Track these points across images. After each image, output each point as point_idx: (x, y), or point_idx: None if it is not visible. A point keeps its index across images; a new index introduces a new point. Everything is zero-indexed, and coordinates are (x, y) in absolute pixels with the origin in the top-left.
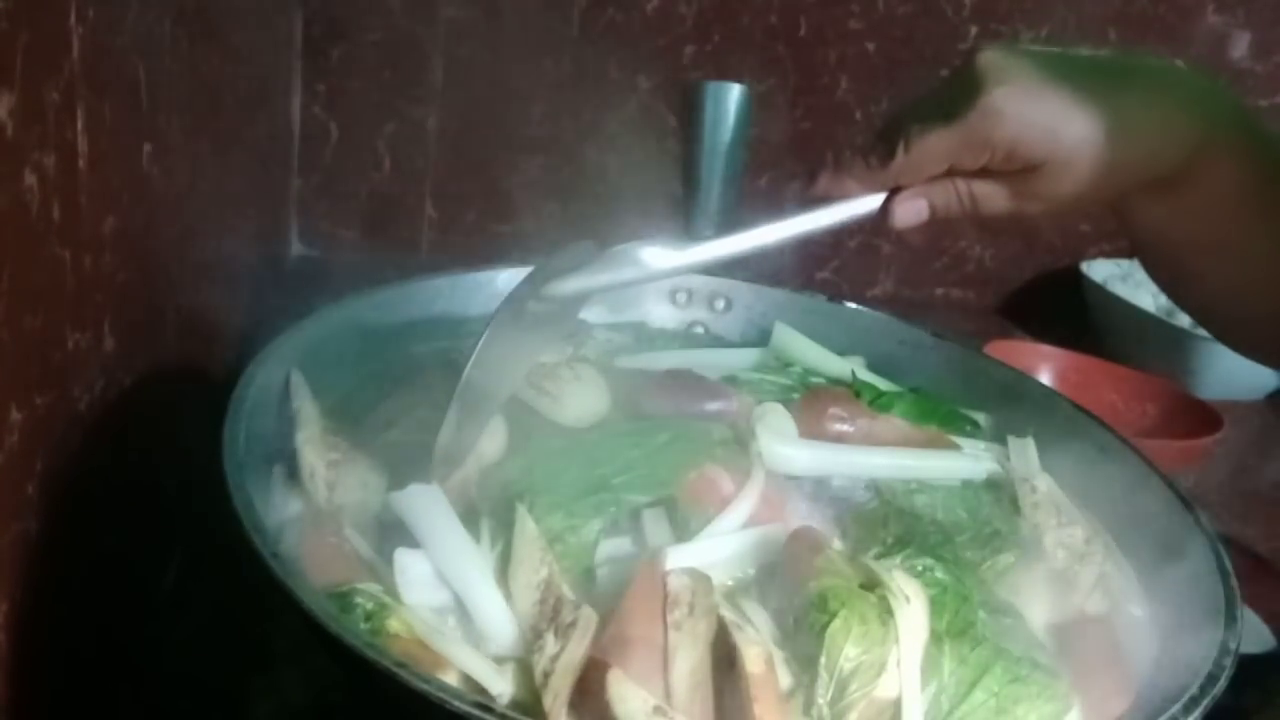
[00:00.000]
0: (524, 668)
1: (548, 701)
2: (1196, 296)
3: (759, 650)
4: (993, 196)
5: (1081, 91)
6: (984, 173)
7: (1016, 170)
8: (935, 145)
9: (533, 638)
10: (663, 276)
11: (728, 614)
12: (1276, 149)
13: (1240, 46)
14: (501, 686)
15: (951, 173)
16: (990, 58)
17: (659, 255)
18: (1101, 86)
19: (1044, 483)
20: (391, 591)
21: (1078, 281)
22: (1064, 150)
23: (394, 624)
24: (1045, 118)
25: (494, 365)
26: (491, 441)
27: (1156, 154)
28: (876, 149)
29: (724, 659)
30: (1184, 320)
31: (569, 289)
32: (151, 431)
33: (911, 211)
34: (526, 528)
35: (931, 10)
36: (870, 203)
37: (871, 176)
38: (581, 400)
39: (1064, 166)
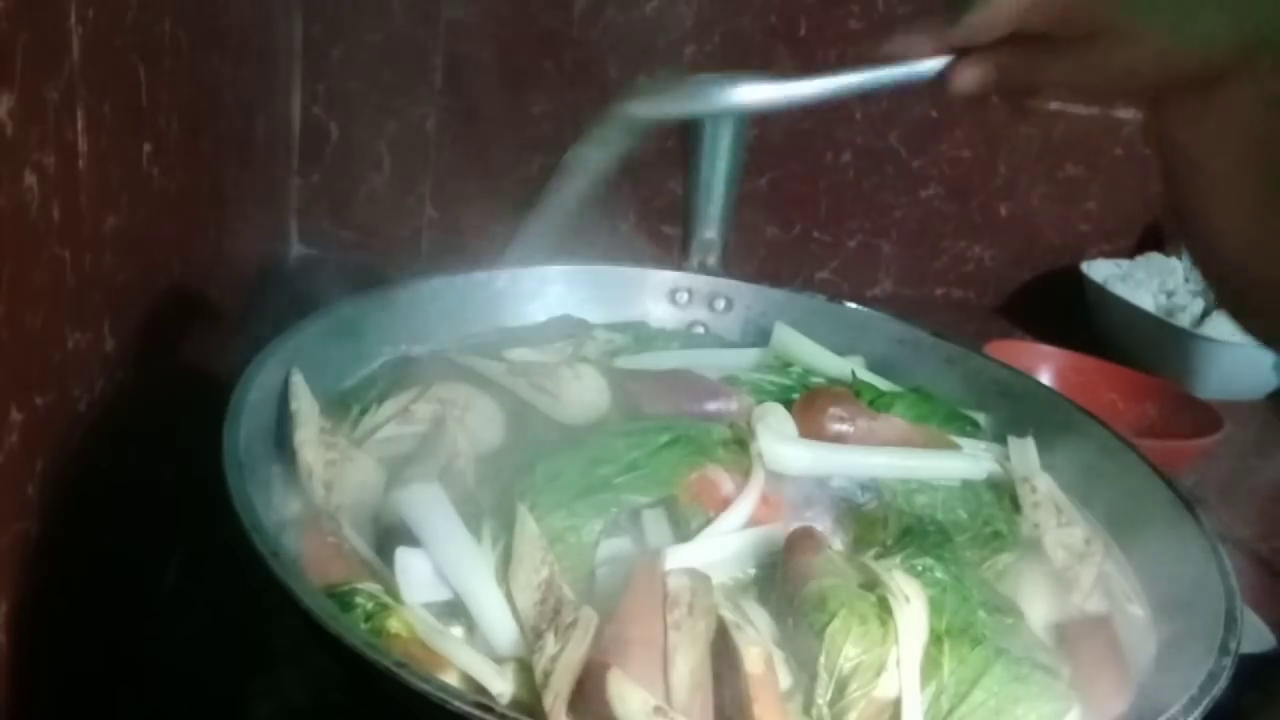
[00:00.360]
0: (524, 668)
1: (548, 701)
2: (1219, 254)
3: (759, 650)
4: (1051, 65)
5: None
6: (1045, 41)
7: (1076, 37)
8: (1005, 3)
9: (533, 638)
10: (741, 110)
11: (727, 614)
12: None
13: None
14: (501, 686)
15: (1015, 40)
16: None
17: (741, 90)
18: None
19: (1044, 483)
20: (392, 591)
21: (1078, 281)
22: (1124, 14)
23: (394, 624)
24: None
25: (580, 177)
26: (488, 429)
27: (1209, 38)
28: (949, 8)
29: (724, 659)
30: (1184, 320)
31: (655, 110)
32: (151, 431)
33: (974, 74)
34: (527, 527)
35: (932, 10)
36: (936, 64)
37: (943, 34)
38: (580, 399)
39: (1122, 33)
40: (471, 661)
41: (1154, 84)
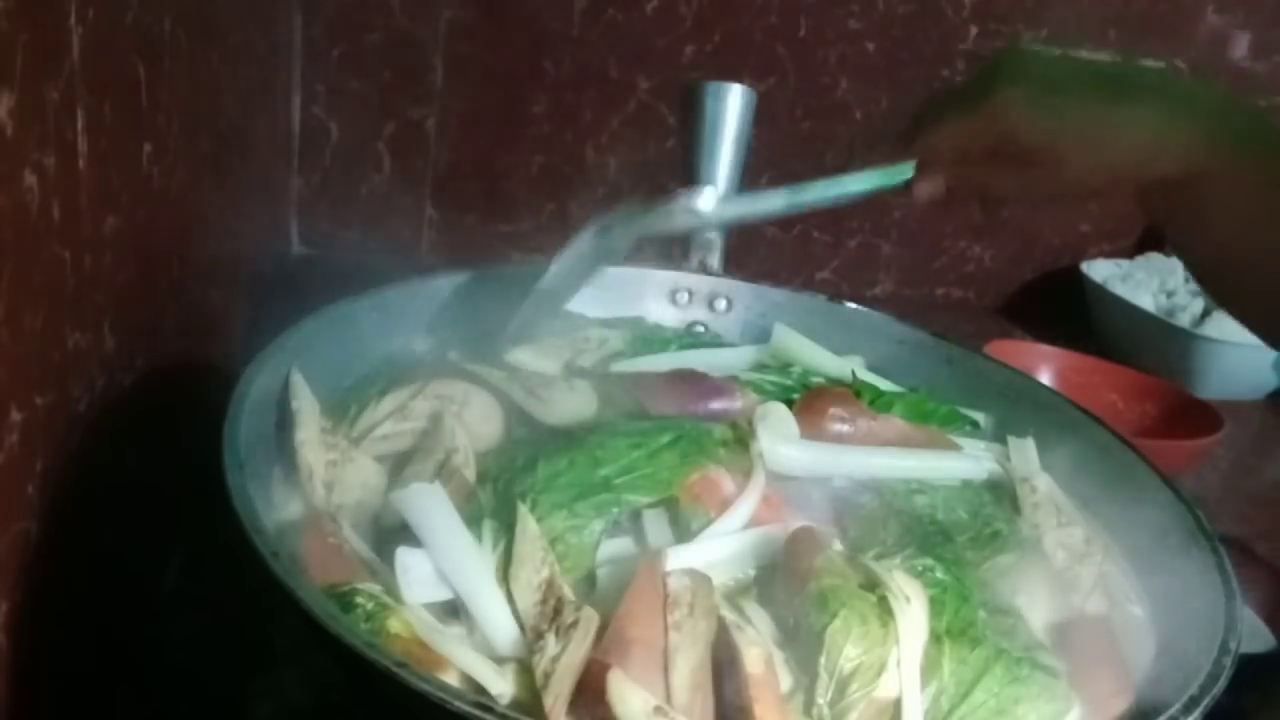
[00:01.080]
0: (524, 668)
1: (548, 702)
2: (1226, 293)
3: (759, 651)
4: (998, 180)
5: (1080, 94)
6: (993, 158)
7: (1019, 157)
8: (948, 130)
9: (533, 638)
10: (713, 225)
11: (728, 614)
12: None
13: (1240, 46)
14: (501, 687)
15: (965, 159)
16: (1006, 58)
17: (712, 204)
18: (1101, 92)
19: (1044, 483)
20: (392, 591)
21: (1078, 281)
22: (1058, 144)
23: (394, 624)
24: (1043, 114)
25: (565, 274)
26: (486, 425)
27: (1150, 157)
28: (907, 131)
29: (724, 659)
30: (1184, 320)
31: (633, 230)
32: (151, 431)
33: (929, 187)
34: (528, 527)
35: (931, 10)
36: (899, 174)
37: (902, 153)
38: (569, 408)
39: (1060, 158)
40: (471, 662)
41: (1107, 189)
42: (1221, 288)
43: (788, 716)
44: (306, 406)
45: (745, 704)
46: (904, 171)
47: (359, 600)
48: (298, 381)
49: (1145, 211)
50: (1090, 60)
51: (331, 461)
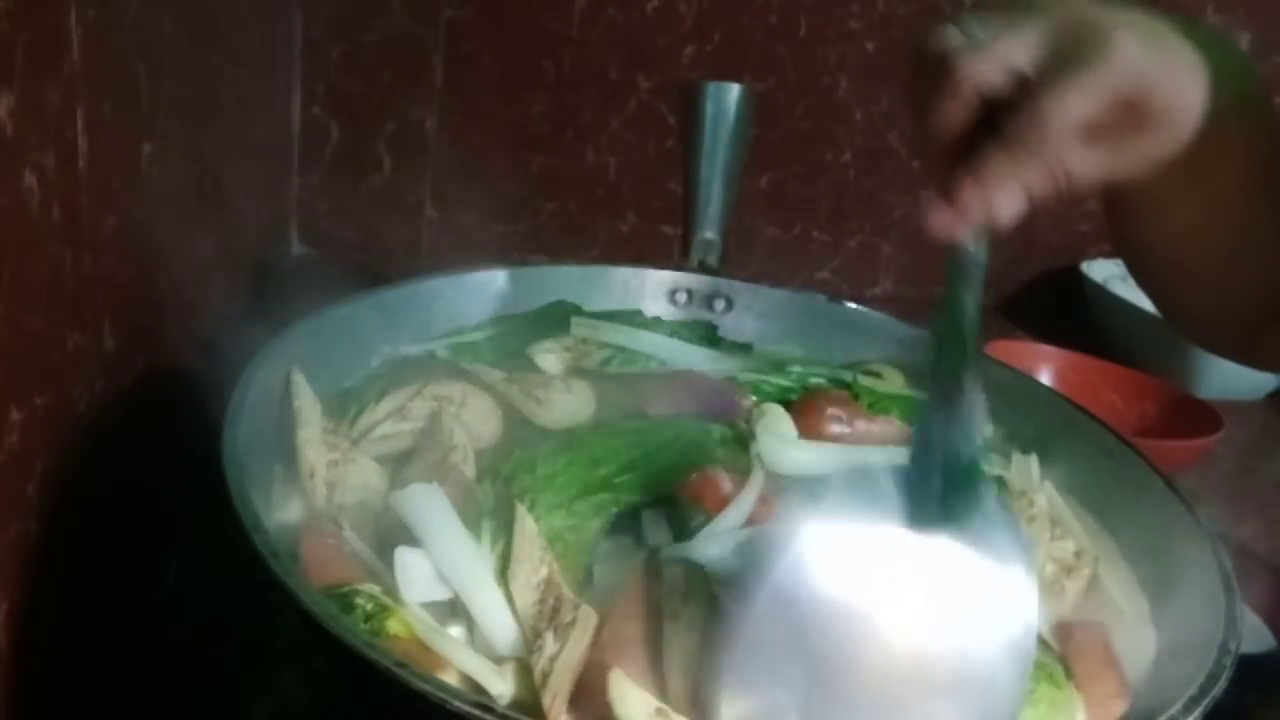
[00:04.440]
0: (524, 668)
1: (546, 701)
2: (1185, 307)
3: None
4: (1088, 163)
5: (1178, 37)
6: (1085, 139)
7: (1124, 127)
8: (1078, 101)
9: (532, 637)
10: None
11: (722, 594)
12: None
13: (1240, 46)
14: (501, 688)
15: (1095, 136)
16: (1087, 6)
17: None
18: (1174, 37)
19: (1041, 499)
20: (391, 592)
21: (1078, 281)
22: (1178, 100)
23: (394, 625)
24: (1166, 66)
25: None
26: (485, 425)
27: (1201, 109)
28: (1002, 127)
29: (713, 639)
30: None
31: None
32: (151, 431)
33: (1012, 200)
34: (526, 527)
35: (931, 10)
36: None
37: (1006, 161)
38: (566, 410)
39: (1171, 119)
40: (471, 662)
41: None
42: (1176, 292)
43: None
44: (308, 406)
45: None
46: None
47: (359, 601)
48: (299, 381)
49: (1129, 224)
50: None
51: (333, 461)
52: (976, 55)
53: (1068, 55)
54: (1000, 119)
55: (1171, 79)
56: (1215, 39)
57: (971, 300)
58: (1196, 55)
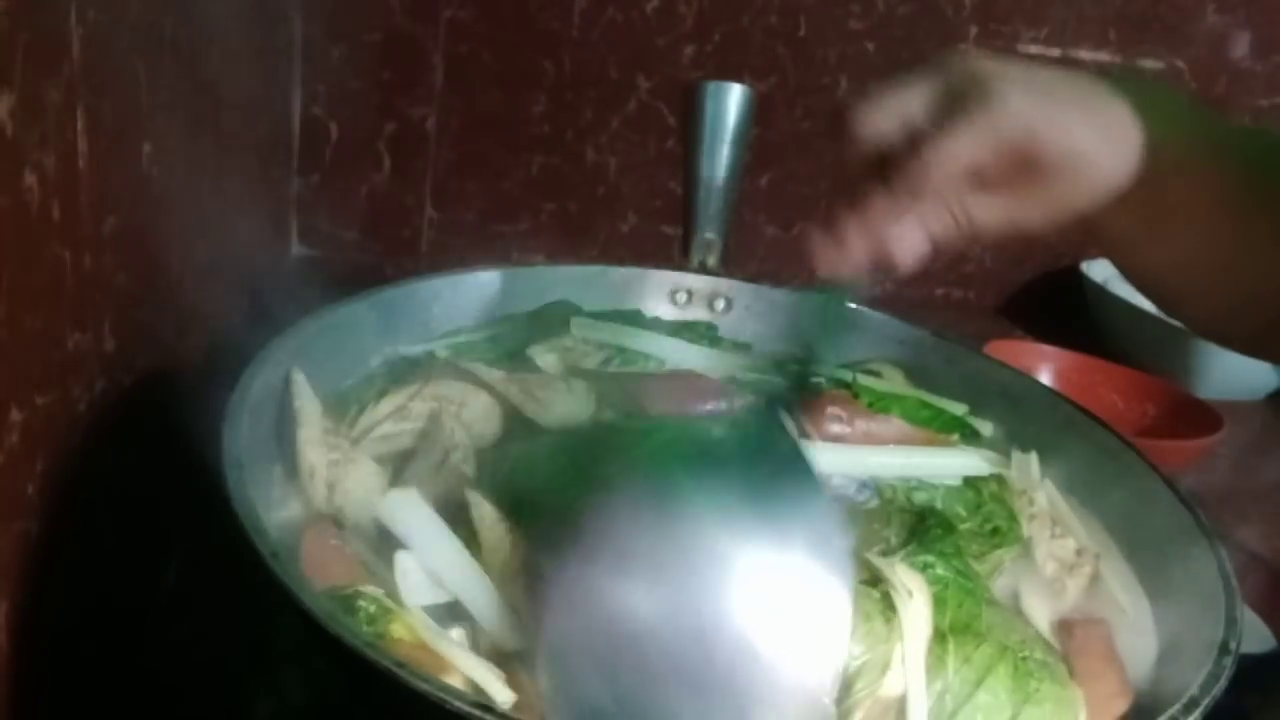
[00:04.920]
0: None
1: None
2: (1185, 311)
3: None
4: (990, 211)
5: (1072, 96)
6: (980, 187)
7: (1018, 178)
8: (957, 148)
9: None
10: None
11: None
12: (1254, 165)
13: (1240, 46)
14: (505, 694)
15: (979, 186)
16: (982, 60)
17: None
18: (1082, 93)
19: (1042, 497)
20: (393, 594)
21: (1078, 281)
22: (1074, 152)
23: (397, 628)
24: (1058, 117)
25: None
26: (486, 424)
27: (1129, 158)
28: (888, 173)
29: None
30: None
31: None
32: (151, 431)
33: (915, 245)
34: (485, 513)
35: (931, 10)
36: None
37: (890, 203)
38: (566, 410)
39: (1071, 171)
40: (474, 668)
41: (1082, 210)
42: (1179, 302)
43: None
44: (308, 406)
45: None
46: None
47: (361, 603)
48: (299, 380)
49: (1103, 230)
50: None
51: (334, 461)
52: (873, 108)
53: (955, 108)
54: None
55: (1062, 131)
56: (1154, 88)
57: (832, 333)
58: (1113, 109)
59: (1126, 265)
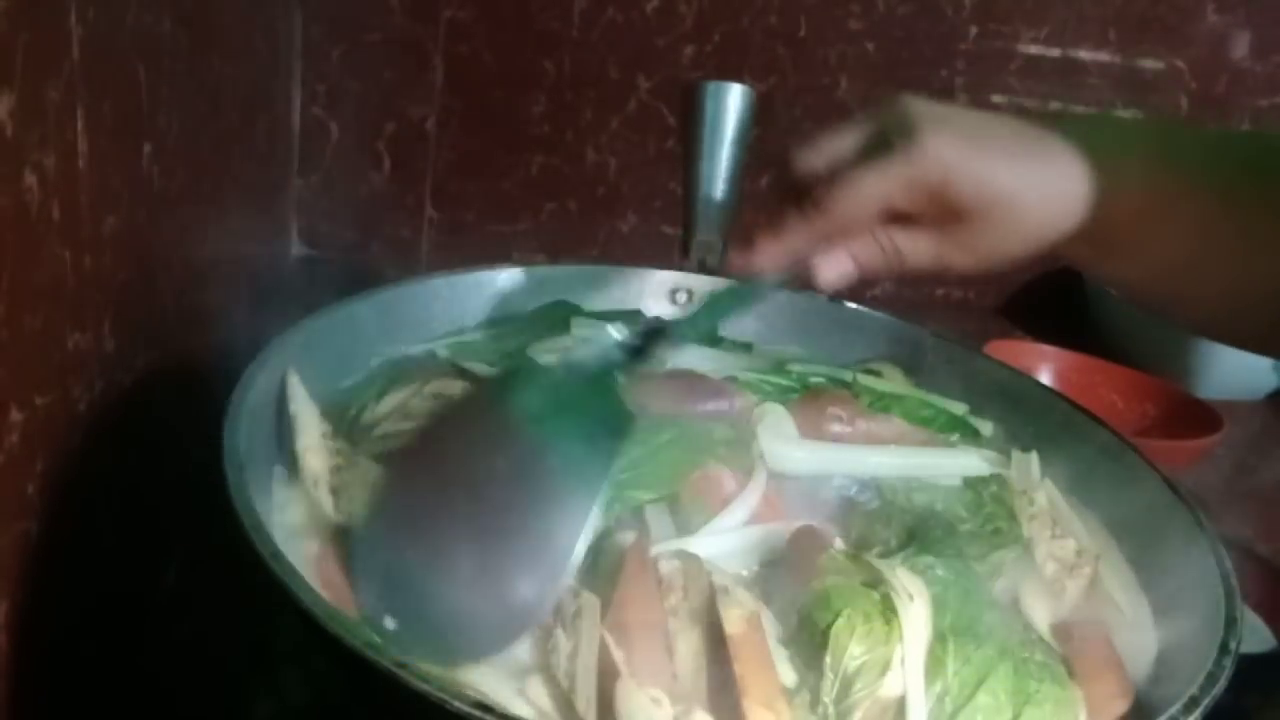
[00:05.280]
0: (549, 675)
1: (581, 706)
2: (1182, 317)
3: (739, 612)
4: (917, 247)
5: (1004, 143)
6: (907, 223)
7: (942, 219)
8: (871, 185)
9: (543, 635)
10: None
11: (716, 579)
12: (1229, 186)
13: (1240, 46)
14: (527, 712)
15: (887, 222)
16: (915, 105)
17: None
18: (1017, 140)
19: (1043, 496)
20: None
21: (1078, 281)
22: (997, 197)
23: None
24: (978, 163)
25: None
26: None
27: (1070, 205)
28: (804, 199)
29: (714, 628)
30: None
31: None
32: (151, 431)
33: (838, 267)
34: None
35: (931, 10)
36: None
37: (804, 228)
38: None
39: (996, 216)
40: (496, 689)
41: (1027, 255)
42: (1168, 305)
43: (770, 673)
44: (305, 411)
45: (728, 665)
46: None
47: None
48: (294, 384)
49: (1070, 256)
50: (981, 113)
51: (336, 467)
52: (807, 148)
53: (882, 149)
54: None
55: (982, 177)
56: (1114, 125)
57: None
58: (1058, 156)
59: (1122, 277)
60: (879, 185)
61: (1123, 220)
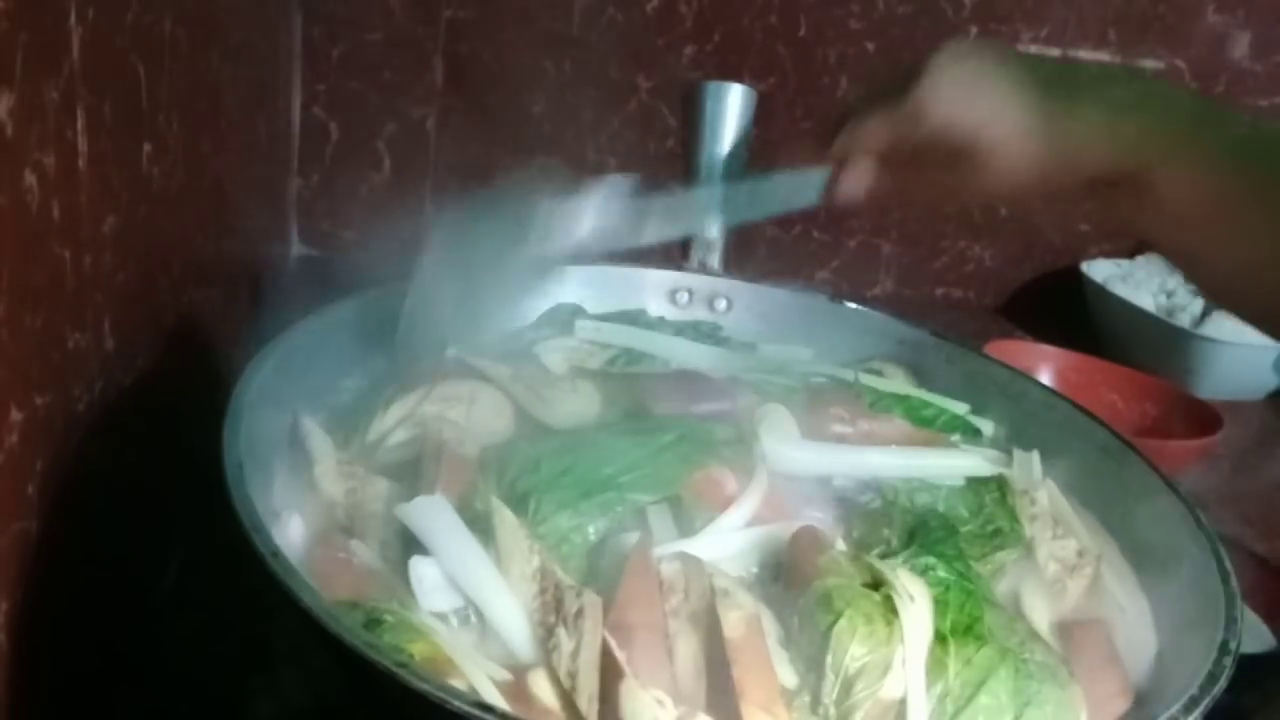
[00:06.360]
0: (552, 674)
1: (583, 704)
2: (1201, 278)
3: (738, 615)
4: (921, 182)
5: (1018, 89)
6: (917, 160)
7: (945, 157)
8: (873, 122)
9: (544, 635)
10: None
11: (718, 582)
12: (1249, 163)
13: (1240, 46)
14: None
15: (888, 160)
16: (942, 53)
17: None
18: (1041, 87)
19: (1044, 496)
20: (404, 601)
21: (1078, 281)
22: (989, 140)
23: (420, 648)
24: (975, 107)
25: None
26: (496, 420)
27: (1092, 156)
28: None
29: (714, 630)
30: (1184, 320)
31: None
32: (151, 431)
33: (850, 186)
34: (505, 518)
35: (931, 10)
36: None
37: (821, 149)
38: (571, 410)
39: (989, 157)
40: (492, 692)
41: (1034, 192)
42: (1211, 282)
43: (769, 677)
44: (319, 443)
45: (726, 668)
46: (817, 178)
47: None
48: (308, 424)
49: (1109, 212)
50: (1037, 58)
51: (351, 489)
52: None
53: (892, 95)
54: None
55: (973, 120)
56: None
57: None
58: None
59: (1160, 245)
60: (879, 122)
61: (1202, 208)
